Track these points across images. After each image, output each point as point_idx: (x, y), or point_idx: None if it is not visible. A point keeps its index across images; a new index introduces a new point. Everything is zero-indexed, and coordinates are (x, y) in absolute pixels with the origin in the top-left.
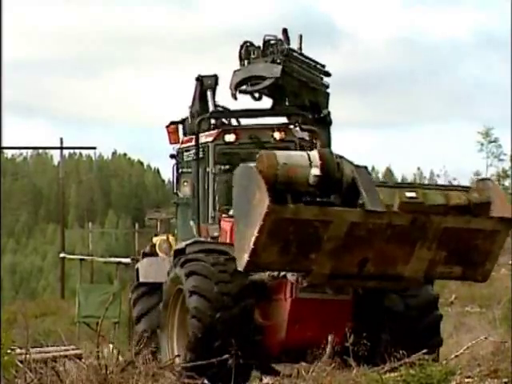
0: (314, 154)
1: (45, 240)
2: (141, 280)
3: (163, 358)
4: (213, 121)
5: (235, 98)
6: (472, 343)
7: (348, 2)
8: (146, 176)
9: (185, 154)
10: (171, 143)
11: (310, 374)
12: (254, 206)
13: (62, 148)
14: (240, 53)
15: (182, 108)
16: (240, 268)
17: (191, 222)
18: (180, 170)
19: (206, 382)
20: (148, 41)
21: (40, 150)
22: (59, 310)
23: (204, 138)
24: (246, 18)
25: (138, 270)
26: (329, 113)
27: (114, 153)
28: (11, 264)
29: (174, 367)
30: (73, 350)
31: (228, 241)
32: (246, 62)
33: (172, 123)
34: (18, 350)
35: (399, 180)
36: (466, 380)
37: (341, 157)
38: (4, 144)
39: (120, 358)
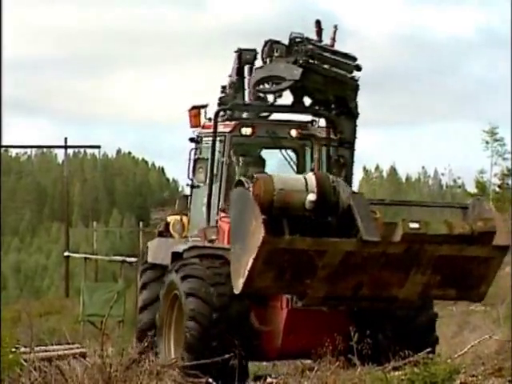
0: (311, 177)
1: (49, 239)
2: (149, 260)
3: (161, 359)
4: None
5: (253, 97)
6: (476, 342)
7: (351, 0)
8: (150, 175)
9: (204, 139)
10: (192, 127)
11: (314, 373)
12: (249, 233)
13: (66, 147)
14: (262, 51)
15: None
16: (236, 291)
17: (203, 209)
18: (197, 156)
19: (210, 380)
20: (152, 39)
21: (44, 149)
22: (63, 309)
23: (222, 127)
24: (250, 17)
25: (147, 249)
26: (356, 105)
27: (119, 151)
28: (15, 262)
29: (178, 365)
30: (77, 348)
31: (226, 242)
32: (268, 60)
33: (194, 107)
34: (23, 349)
35: (403, 179)
36: (471, 379)
37: (337, 180)
38: (8, 143)
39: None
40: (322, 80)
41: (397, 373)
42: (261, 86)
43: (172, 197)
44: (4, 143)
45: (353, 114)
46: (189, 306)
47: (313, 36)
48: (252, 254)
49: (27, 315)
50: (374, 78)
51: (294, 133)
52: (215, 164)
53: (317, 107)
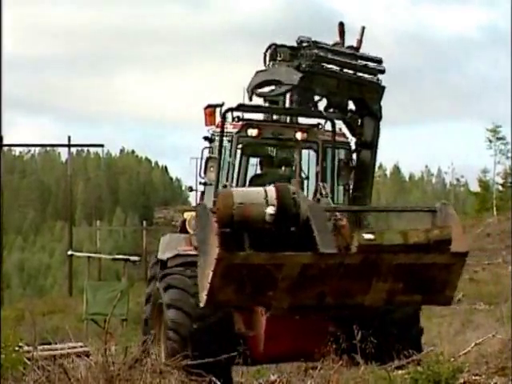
0: (271, 189)
1: (52, 237)
2: (158, 256)
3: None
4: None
5: (250, 99)
6: (480, 341)
7: None
8: (153, 173)
9: (217, 138)
10: (206, 125)
11: (317, 372)
12: (209, 247)
13: (69, 145)
14: (265, 54)
15: (188, 105)
16: (201, 304)
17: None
18: (209, 155)
19: (213, 379)
20: (157, 38)
21: (48, 148)
22: (67, 308)
23: (232, 127)
24: (255, 15)
25: (159, 243)
26: (379, 107)
27: (122, 150)
28: (19, 261)
29: (181, 365)
30: (80, 347)
31: None
32: (271, 63)
33: (209, 106)
34: (26, 348)
35: (406, 178)
36: (474, 377)
37: (298, 192)
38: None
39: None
40: (335, 83)
41: (400, 371)
42: (259, 90)
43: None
44: (7, 142)
45: (375, 116)
46: (169, 317)
47: (334, 37)
48: (210, 269)
49: (30, 314)
50: (379, 77)
51: (299, 135)
52: (221, 163)
53: (331, 110)
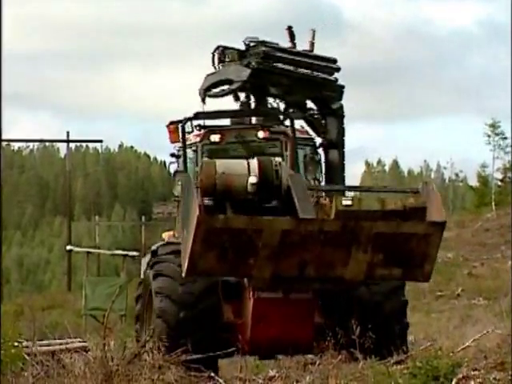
0: (253, 161)
1: (51, 233)
2: (141, 276)
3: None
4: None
5: (204, 102)
6: (479, 336)
7: None
8: (152, 169)
9: (180, 152)
10: (172, 142)
11: (316, 367)
12: (191, 215)
13: (68, 141)
14: (213, 55)
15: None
16: (183, 274)
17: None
18: (175, 169)
19: (212, 374)
20: (155, 33)
21: (47, 143)
22: (66, 303)
23: (194, 138)
24: (254, 11)
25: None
26: (341, 106)
27: (121, 146)
28: (18, 256)
29: (180, 360)
30: (79, 342)
31: None
32: (219, 66)
33: (172, 123)
34: (25, 343)
35: (405, 173)
36: (473, 372)
37: (280, 164)
38: (10, 137)
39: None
40: (287, 81)
41: (399, 366)
42: (212, 91)
43: None
44: (6, 137)
45: (337, 115)
46: (157, 305)
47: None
48: (191, 235)
49: (30, 309)
50: (376, 72)
51: (260, 134)
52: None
53: (291, 110)
